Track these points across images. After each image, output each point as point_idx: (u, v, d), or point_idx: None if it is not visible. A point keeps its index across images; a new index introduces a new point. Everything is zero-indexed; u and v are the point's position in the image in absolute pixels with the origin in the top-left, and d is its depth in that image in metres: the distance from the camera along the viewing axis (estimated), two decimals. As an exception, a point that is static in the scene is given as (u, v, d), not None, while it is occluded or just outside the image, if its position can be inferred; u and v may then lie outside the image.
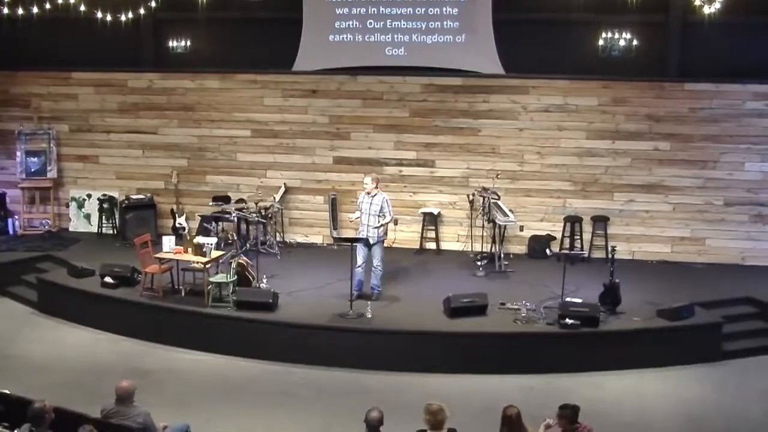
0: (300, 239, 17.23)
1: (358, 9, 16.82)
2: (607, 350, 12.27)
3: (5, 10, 15.11)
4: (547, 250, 16.31)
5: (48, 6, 14.70)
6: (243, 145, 17.31)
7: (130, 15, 15.47)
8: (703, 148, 15.93)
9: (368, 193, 13.40)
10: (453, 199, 16.74)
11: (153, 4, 15.54)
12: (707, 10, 13.83)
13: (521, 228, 16.44)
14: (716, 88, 15.82)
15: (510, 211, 15.33)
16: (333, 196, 16.82)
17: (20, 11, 14.80)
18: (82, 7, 14.59)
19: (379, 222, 13.26)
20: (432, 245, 16.84)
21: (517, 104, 16.39)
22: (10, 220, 17.53)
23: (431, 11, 16.58)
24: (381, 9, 16.73)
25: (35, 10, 14.75)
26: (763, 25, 15.75)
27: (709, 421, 10.84)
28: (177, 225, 16.70)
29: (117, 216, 17.49)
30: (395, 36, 16.76)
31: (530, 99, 16.35)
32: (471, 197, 16.07)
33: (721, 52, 15.78)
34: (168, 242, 13.63)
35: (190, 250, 13.37)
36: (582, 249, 16.05)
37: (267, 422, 10.59)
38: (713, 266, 15.85)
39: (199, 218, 16.74)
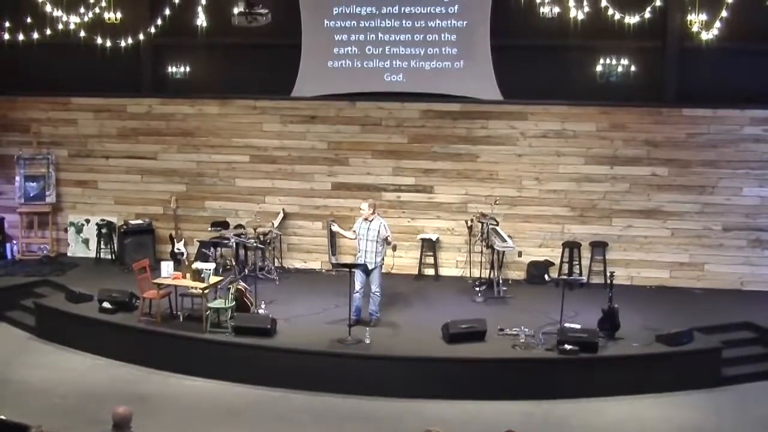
0: (298, 265, 17.23)
1: (357, 35, 16.89)
2: (606, 376, 12.22)
3: (5, 36, 15.16)
4: (546, 276, 16.30)
5: (48, 31, 14.76)
6: (242, 171, 17.33)
7: (130, 41, 15.53)
8: (702, 174, 15.98)
9: (365, 219, 13.42)
10: (451, 225, 16.75)
11: (152, 29, 15.62)
12: (704, 36, 13.90)
13: (520, 254, 16.44)
14: (714, 113, 15.89)
15: (508, 236, 15.32)
16: (331, 222, 16.80)
17: (20, 37, 14.86)
18: (82, 33, 14.65)
19: (380, 245, 13.28)
20: (430, 271, 16.82)
21: (515, 130, 16.44)
22: (8, 245, 17.52)
23: (430, 37, 16.65)
24: (380, 35, 16.80)
25: (35, 35, 14.81)
26: (760, 51, 15.82)
27: (709, 447, 10.83)
28: (175, 250, 16.66)
29: (115, 241, 17.47)
30: (394, 62, 16.83)
31: (528, 125, 16.41)
32: (469, 223, 16.06)
33: (719, 78, 15.86)
34: (166, 267, 13.64)
35: (188, 275, 13.36)
36: (580, 274, 16.04)
37: (265, 448, 10.56)
38: (712, 291, 15.85)
39: (198, 244, 16.71)
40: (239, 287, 13.51)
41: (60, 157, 17.83)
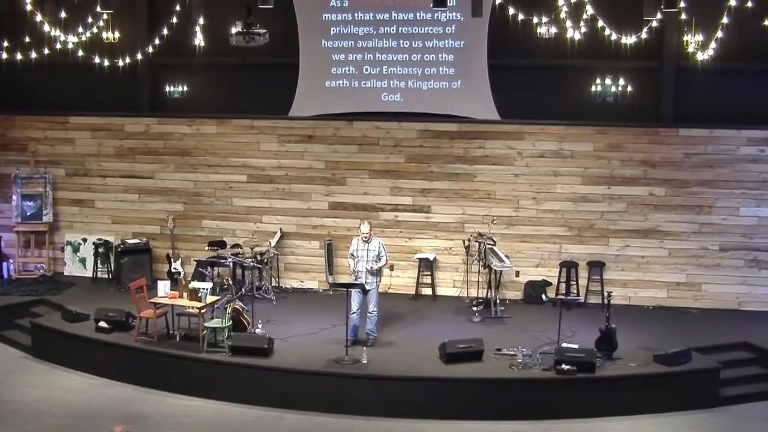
0: (295, 284, 17.19)
1: (354, 55, 16.93)
2: (603, 396, 12.19)
3: (4, 55, 15.21)
4: (543, 296, 16.25)
5: (46, 51, 14.82)
6: (239, 190, 17.33)
7: (128, 60, 15.60)
8: (698, 194, 15.99)
9: (364, 240, 13.42)
10: (449, 245, 16.73)
11: (150, 49, 15.68)
12: (700, 56, 13.97)
13: (517, 273, 16.42)
14: (710, 133, 15.92)
15: (506, 256, 15.31)
16: (329, 242, 16.80)
17: (18, 56, 14.91)
18: (80, 53, 14.71)
19: (376, 265, 13.30)
20: (428, 291, 16.78)
21: (512, 150, 16.46)
22: (4, 264, 17.49)
23: (427, 57, 16.68)
24: (377, 55, 16.84)
25: (33, 54, 14.86)
26: (756, 71, 15.88)
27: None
28: (172, 270, 16.61)
29: (112, 260, 17.43)
30: (391, 82, 16.86)
31: (526, 145, 16.43)
32: (467, 243, 16.06)
33: (715, 98, 15.90)
34: (163, 287, 13.60)
35: (185, 295, 13.33)
36: (578, 294, 16.02)
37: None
38: (709, 311, 15.81)
39: (195, 263, 16.65)
40: (236, 307, 13.49)
41: (57, 176, 17.82)
